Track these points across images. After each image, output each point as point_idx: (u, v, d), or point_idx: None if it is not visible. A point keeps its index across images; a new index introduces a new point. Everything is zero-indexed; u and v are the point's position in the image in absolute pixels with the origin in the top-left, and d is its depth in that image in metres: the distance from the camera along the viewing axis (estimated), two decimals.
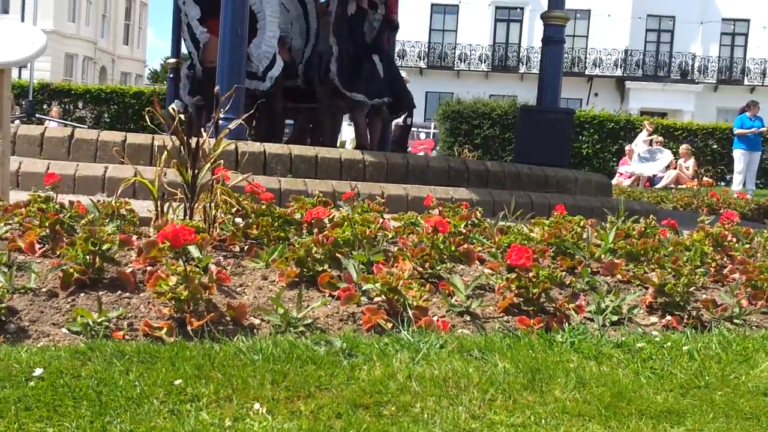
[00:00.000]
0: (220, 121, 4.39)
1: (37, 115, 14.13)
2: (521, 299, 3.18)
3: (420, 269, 3.40)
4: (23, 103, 15.45)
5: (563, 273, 3.58)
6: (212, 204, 3.67)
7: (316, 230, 3.69)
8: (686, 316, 3.29)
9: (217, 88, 4.72)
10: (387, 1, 8.66)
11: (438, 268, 3.44)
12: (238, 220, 3.78)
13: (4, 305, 2.65)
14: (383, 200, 4.76)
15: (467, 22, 39.89)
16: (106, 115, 23.02)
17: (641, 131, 20.54)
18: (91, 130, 6.42)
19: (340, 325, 2.89)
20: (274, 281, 3.21)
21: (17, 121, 10.79)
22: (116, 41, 50.92)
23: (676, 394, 2.44)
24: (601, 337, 2.92)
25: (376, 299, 3.05)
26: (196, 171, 3.64)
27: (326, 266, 3.30)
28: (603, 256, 3.92)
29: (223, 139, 3.84)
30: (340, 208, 4.36)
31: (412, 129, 28.30)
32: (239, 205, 3.80)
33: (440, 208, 4.67)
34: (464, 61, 39.89)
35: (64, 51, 43.41)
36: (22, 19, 15.15)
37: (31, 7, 15.80)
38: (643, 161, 19.35)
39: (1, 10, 42.01)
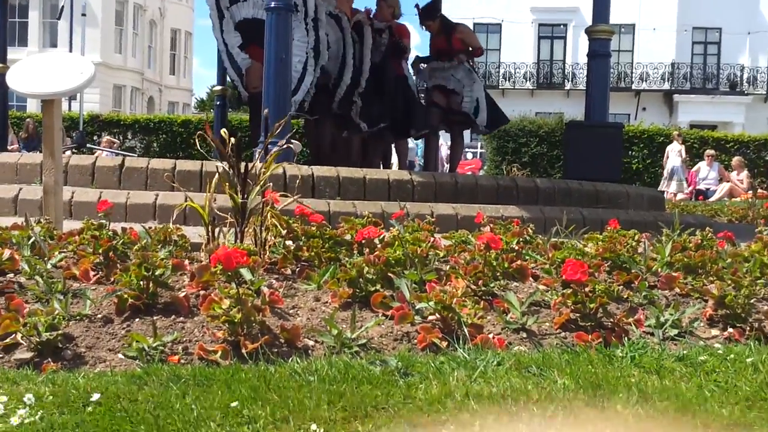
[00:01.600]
0: (269, 145, 4.41)
1: (88, 146, 14.35)
2: (578, 315, 3.12)
3: (473, 287, 3.36)
4: (74, 134, 15.70)
5: (620, 287, 3.51)
6: (262, 227, 3.67)
7: (367, 251, 3.67)
8: (748, 328, 3.21)
9: (265, 111, 4.73)
10: (391, 25, 8.89)
11: (491, 285, 3.40)
12: (289, 242, 3.77)
13: (60, 332, 2.67)
14: (433, 220, 4.73)
15: (510, 40, 39.83)
16: (155, 145, 23.32)
17: (671, 143, 20.31)
18: (141, 159, 6.49)
19: (394, 344, 2.86)
20: (326, 302, 3.20)
21: (68, 152, 10.96)
22: (163, 71, 51.63)
23: (741, 407, 2.36)
24: (661, 351, 2.86)
25: (430, 318, 3.02)
26: (246, 195, 3.64)
27: (378, 286, 3.27)
28: (660, 269, 3.84)
29: (272, 163, 3.85)
30: (391, 228, 4.34)
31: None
32: (289, 228, 3.79)
33: (491, 225, 4.63)
34: (509, 80, 39.81)
35: (112, 82, 44.11)
36: (70, 52, 15.41)
37: (78, 41, 16.07)
38: (675, 177, 19.21)
39: (49, 44, 42.88)
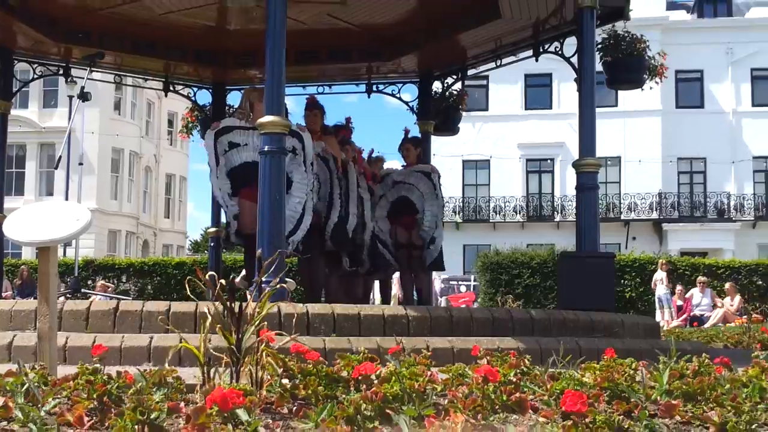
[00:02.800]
0: (262, 284, 4.43)
1: (82, 290, 14.36)
2: None
3: (473, 421, 3.32)
4: (68, 280, 15.74)
5: (620, 417, 3.48)
6: (258, 366, 3.65)
7: (364, 387, 3.65)
8: None
9: (259, 251, 4.80)
10: (364, 171, 9.30)
11: (491, 418, 3.36)
12: (285, 381, 3.74)
13: None
14: (429, 353, 4.72)
15: (499, 175, 40.52)
16: (149, 287, 23.34)
17: (657, 271, 20.41)
18: (136, 302, 6.49)
19: None
20: None
21: (62, 297, 10.95)
22: (158, 215, 52.11)
23: None
24: None
25: None
26: (241, 334, 3.64)
27: (377, 423, 3.23)
28: (659, 397, 3.81)
29: (266, 302, 3.86)
30: (387, 363, 4.32)
31: (452, 282, 28.43)
32: (285, 366, 3.77)
33: (488, 357, 4.61)
34: (499, 213, 40.27)
35: (107, 228, 44.44)
36: (66, 200, 15.60)
37: (74, 188, 16.29)
38: (666, 305, 19.24)
39: (45, 193, 43.38)
